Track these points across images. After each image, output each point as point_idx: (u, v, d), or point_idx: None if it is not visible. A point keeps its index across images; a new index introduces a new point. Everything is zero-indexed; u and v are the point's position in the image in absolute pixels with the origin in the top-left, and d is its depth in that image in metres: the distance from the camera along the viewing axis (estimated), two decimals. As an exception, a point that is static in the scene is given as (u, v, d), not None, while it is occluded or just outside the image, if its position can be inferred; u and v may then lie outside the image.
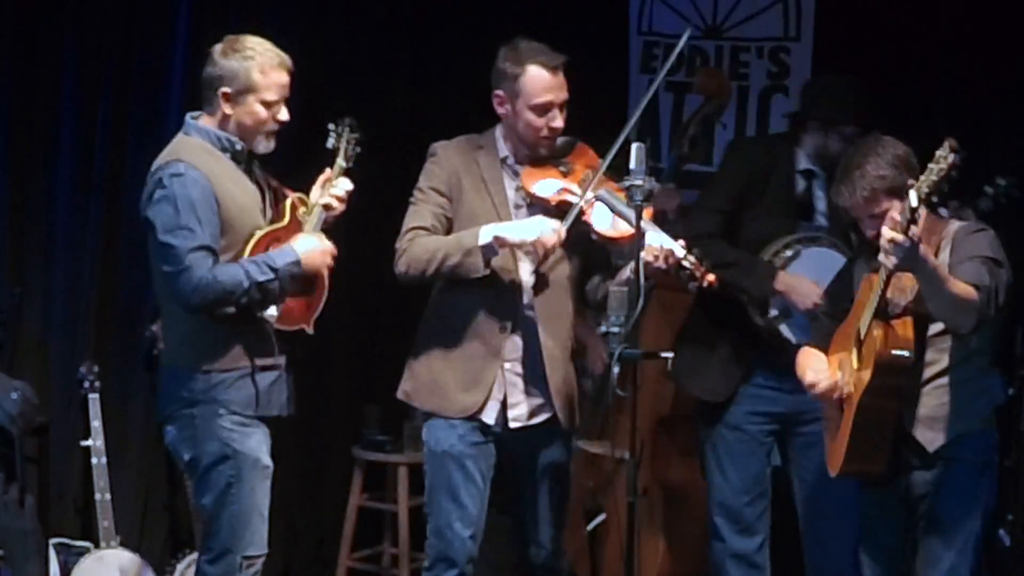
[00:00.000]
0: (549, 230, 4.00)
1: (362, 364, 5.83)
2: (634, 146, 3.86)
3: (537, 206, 4.14)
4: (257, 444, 4.09)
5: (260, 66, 3.99)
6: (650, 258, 3.89)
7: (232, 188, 4.01)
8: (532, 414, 4.18)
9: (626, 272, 3.97)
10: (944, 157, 3.53)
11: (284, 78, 4.04)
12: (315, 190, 4.23)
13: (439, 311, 4.21)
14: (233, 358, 4.01)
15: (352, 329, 5.80)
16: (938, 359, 3.90)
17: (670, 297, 4.74)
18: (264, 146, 4.08)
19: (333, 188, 4.18)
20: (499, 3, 5.77)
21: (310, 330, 4.14)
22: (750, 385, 4.67)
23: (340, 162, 4.23)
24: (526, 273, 4.12)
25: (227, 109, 4.01)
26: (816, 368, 4.05)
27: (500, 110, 4.15)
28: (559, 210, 4.07)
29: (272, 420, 4.17)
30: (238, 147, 4.05)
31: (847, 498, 4.24)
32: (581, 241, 4.13)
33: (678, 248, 3.94)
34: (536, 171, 4.16)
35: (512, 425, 4.17)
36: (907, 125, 4.67)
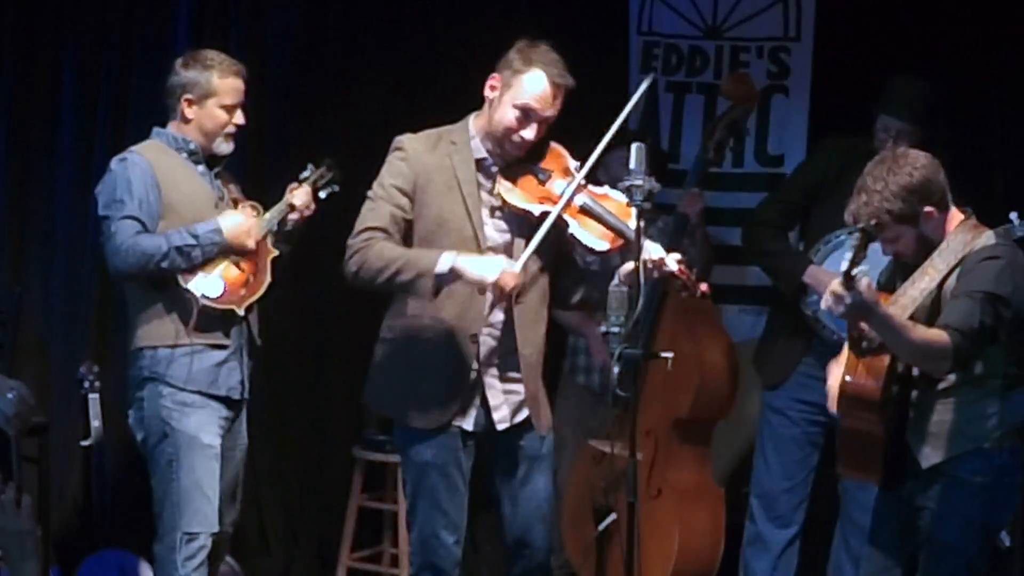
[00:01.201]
0: (510, 273, 3.86)
1: (362, 364, 5.81)
2: (634, 146, 3.79)
3: (513, 215, 4.04)
4: (198, 423, 4.27)
5: (219, 73, 4.40)
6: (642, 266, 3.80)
7: (179, 177, 4.33)
8: (514, 413, 4.11)
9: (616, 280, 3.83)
10: (856, 236, 3.49)
11: (240, 84, 4.44)
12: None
13: (404, 318, 4.08)
14: (172, 335, 4.25)
15: (352, 329, 5.79)
16: (944, 377, 3.76)
17: (687, 302, 4.74)
18: (225, 147, 4.45)
19: (294, 195, 4.47)
20: (499, 3, 5.76)
21: (240, 311, 4.33)
22: (799, 373, 4.71)
23: (304, 188, 4.52)
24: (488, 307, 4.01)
25: (189, 114, 4.40)
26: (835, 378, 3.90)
27: (488, 93, 4.05)
28: (540, 221, 3.96)
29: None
30: (192, 146, 4.41)
31: None
32: (552, 244, 4.03)
33: (664, 253, 3.88)
34: (513, 179, 4.04)
35: (499, 427, 4.09)
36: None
